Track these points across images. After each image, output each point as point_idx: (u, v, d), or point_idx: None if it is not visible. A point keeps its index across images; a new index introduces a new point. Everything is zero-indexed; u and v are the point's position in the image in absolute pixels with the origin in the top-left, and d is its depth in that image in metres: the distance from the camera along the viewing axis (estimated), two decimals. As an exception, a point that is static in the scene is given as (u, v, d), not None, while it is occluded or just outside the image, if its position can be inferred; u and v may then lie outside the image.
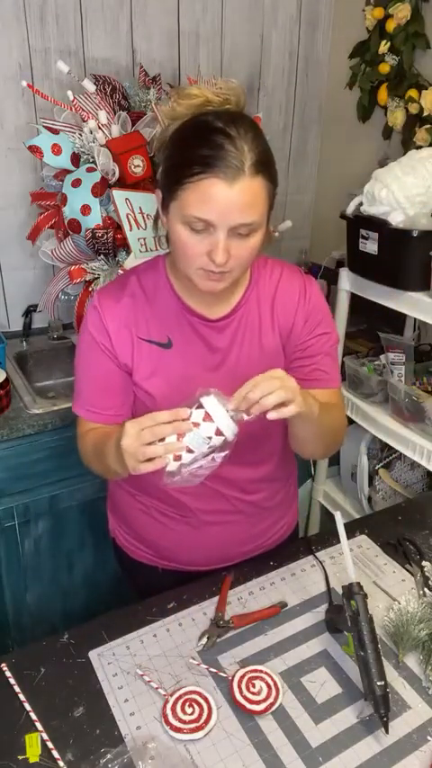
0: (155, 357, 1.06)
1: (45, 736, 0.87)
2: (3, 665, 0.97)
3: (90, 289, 1.79)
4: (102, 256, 1.72)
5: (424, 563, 1.19)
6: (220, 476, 1.11)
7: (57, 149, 1.68)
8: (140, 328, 1.06)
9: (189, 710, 0.89)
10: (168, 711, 0.89)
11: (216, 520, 1.16)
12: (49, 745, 0.85)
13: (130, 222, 1.70)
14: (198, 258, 0.92)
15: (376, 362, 1.91)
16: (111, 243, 1.69)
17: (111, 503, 1.31)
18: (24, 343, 2.07)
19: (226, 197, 0.86)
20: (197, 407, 0.86)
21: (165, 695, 0.92)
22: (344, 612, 0.95)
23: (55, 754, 0.84)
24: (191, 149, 0.88)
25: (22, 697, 0.92)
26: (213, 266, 0.91)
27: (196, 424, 0.84)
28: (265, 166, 0.89)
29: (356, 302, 1.88)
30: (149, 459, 0.84)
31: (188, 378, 1.05)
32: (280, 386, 0.85)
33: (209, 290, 0.97)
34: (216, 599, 1.10)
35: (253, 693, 0.92)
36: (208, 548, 1.19)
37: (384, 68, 2.01)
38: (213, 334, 1.06)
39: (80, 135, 1.68)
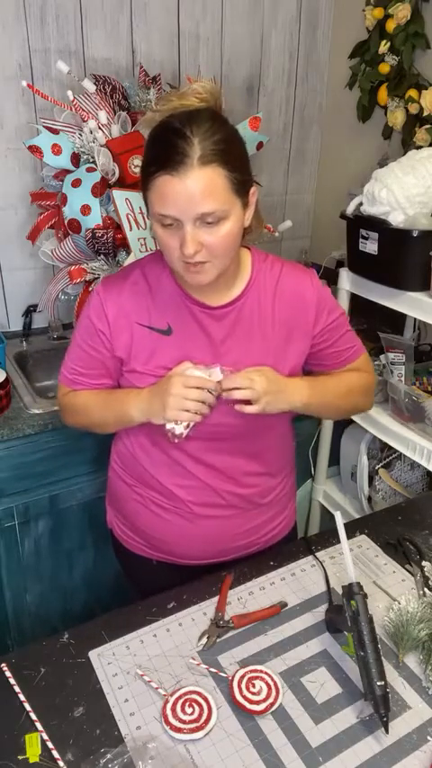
0: (155, 343, 1.08)
1: (45, 736, 0.87)
2: (3, 665, 0.97)
3: (90, 289, 1.79)
4: (102, 256, 1.72)
5: (424, 563, 1.19)
6: (214, 467, 1.13)
7: (57, 149, 1.68)
8: (141, 315, 1.08)
9: (189, 710, 0.90)
10: (168, 711, 0.89)
11: (210, 513, 1.17)
12: (49, 745, 0.85)
13: (130, 222, 1.70)
14: (175, 251, 0.96)
15: (376, 362, 1.91)
16: (111, 243, 1.69)
17: (109, 494, 1.33)
18: (24, 343, 2.07)
19: (179, 191, 0.90)
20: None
21: (165, 695, 0.92)
22: (344, 612, 0.95)
23: (55, 754, 0.84)
24: (149, 153, 0.95)
25: (22, 697, 0.92)
26: (188, 258, 0.94)
27: None
28: (219, 154, 0.91)
29: (356, 302, 1.88)
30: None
31: None
32: (249, 385, 0.99)
33: (196, 283, 1.01)
34: (216, 599, 1.10)
35: (253, 693, 0.92)
36: (201, 541, 1.20)
37: (384, 68, 2.01)
38: (213, 322, 1.08)
39: (80, 135, 1.68)
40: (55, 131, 1.68)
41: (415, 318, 1.93)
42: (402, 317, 2.00)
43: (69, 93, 1.68)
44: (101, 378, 1.15)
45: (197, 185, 0.90)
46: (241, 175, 0.95)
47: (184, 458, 1.13)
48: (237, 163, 0.94)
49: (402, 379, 1.81)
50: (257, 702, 0.91)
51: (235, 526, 1.20)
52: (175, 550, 1.22)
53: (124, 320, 1.08)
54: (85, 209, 1.66)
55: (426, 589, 1.13)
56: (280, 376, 1.06)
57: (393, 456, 2.00)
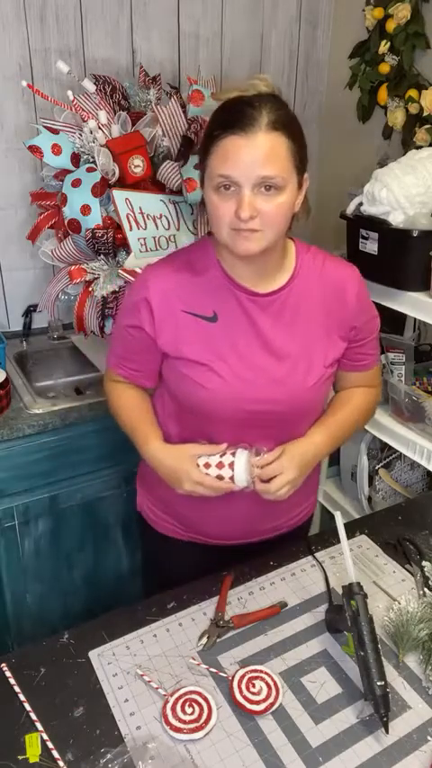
0: (200, 330, 1.09)
1: (45, 736, 0.87)
2: (3, 665, 0.97)
3: (90, 289, 1.79)
4: (102, 256, 1.72)
5: (424, 563, 1.19)
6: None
7: (57, 149, 1.68)
8: (186, 302, 1.09)
9: (189, 710, 0.90)
10: (168, 711, 0.89)
11: (245, 493, 1.14)
12: (49, 745, 0.86)
13: (130, 222, 1.70)
14: (227, 218, 0.97)
15: (376, 363, 1.91)
16: (111, 243, 1.69)
17: (140, 477, 1.35)
18: (24, 344, 2.07)
19: (245, 151, 0.93)
20: (232, 452, 1.07)
21: (165, 695, 0.92)
22: (344, 612, 0.95)
23: (55, 754, 0.84)
24: (215, 120, 0.99)
25: (22, 697, 0.92)
26: (241, 223, 0.96)
27: (221, 466, 1.07)
28: (285, 126, 0.95)
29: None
30: None
31: (232, 351, 1.08)
32: (286, 482, 1.07)
33: (244, 251, 1.00)
34: (216, 599, 1.10)
35: (253, 693, 0.92)
36: (233, 520, 1.21)
37: (384, 68, 2.01)
38: (258, 309, 1.09)
39: (80, 135, 1.68)
40: (55, 131, 1.68)
41: (415, 318, 1.93)
42: (402, 316, 2.00)
43: (69, 93, 1.68)
44: (139, 364, 1.17)
45: (263, 147, 0.93)
46: (301, 153, 0.99)
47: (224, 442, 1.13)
48: (299, 139, 0.98)
49: (402, 379, 1.81)
50: (257, 702, 0.91)
51: (266, 506, 1.17)
52: (209, 530, 1.24)
53: (169, 308, 1.09)
54: (85, 210, 1.66)
55: (426, 589, 1.13)
56: (302, 452, 1.11)
57: (393, 456, 2.00)
